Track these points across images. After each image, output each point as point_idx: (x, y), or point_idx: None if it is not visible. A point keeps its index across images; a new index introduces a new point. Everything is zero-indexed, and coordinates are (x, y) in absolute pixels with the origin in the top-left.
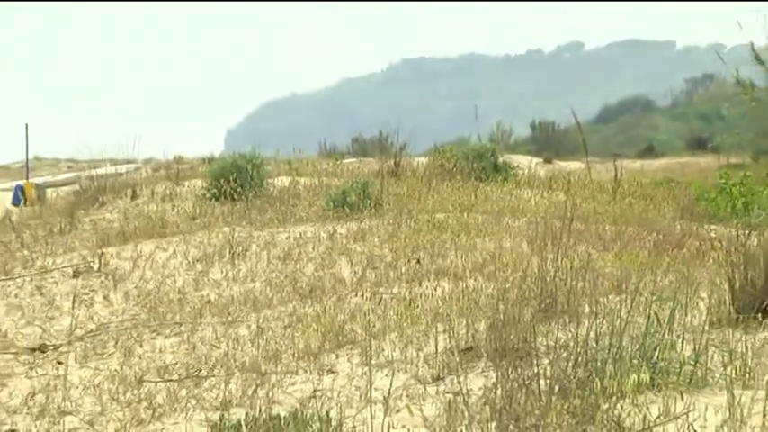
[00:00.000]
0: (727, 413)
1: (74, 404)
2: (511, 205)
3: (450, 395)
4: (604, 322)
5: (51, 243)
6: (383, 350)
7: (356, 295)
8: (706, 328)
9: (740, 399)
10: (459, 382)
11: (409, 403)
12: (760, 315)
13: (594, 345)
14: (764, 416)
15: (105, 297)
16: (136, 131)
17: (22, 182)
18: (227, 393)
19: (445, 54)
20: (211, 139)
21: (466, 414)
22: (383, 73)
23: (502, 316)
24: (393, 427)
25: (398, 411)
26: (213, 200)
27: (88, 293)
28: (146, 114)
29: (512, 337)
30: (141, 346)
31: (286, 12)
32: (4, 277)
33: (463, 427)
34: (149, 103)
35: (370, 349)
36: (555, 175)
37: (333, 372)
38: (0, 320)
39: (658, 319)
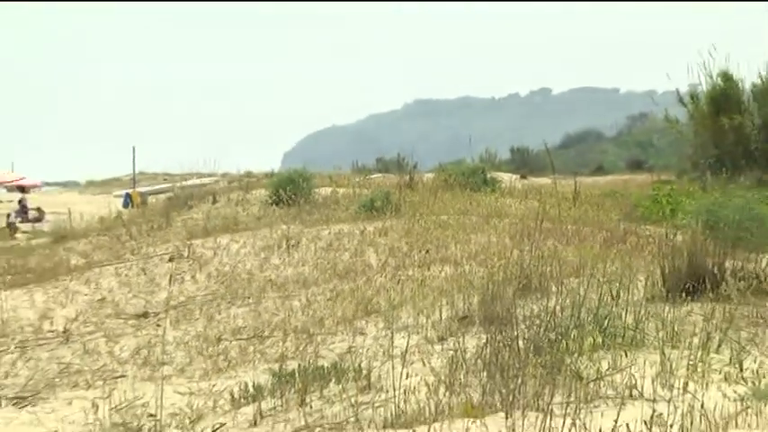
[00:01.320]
0: (660, 367)
1: (169, 357)
2: (496, 210)
3: (452, 352)
4: (567, 298)
5: (152, 236)
6: (401, 318)
7: (381, 276)
8: (643, 302)
9: (669, 356)
10: (457, 342)
11: (421, 357)
12: (684, 293)
13: (560, 315)
14: (687, 369)
15: (192, 277)
16: (215, 152)
17: (129, 190)
18: (283, 349)
19: (447, 96)
20: (272, 158)
21: (463, 366)
22: (400, 110)
23: (490, 292)
24: (409, 376)
25: (413, 363)
26: (274, 204)
27: (180, 274)
28: (223, 138)
29: (497, 308)
30: (219, 313)
31: (327, 60)
32: (116, 261)
33: (461, 376)
34: (226, 130)
35: (392, 317)
36: (529, 187)
37: (363, 334)
38: (113, 293)
39: (610, 296)
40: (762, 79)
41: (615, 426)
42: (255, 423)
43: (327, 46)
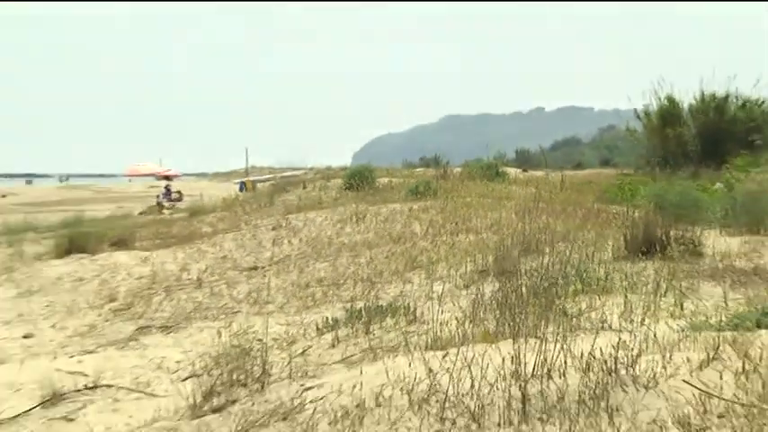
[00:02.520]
0: (623, 307)
1: (272, 298)
2: (505, 194)
3: (474, 295)
4: (557, 257)
5: (260, 212)
6: (437, 271)
7: (423, 241)
8: (611, 261)
9: (630, 299)
10: (478, 289)
11: (452, 299)
12: (640, 254)
13: (551, 269)
14: (643, 309)
15: (288, 241)
16: (304, 150)
17: (244, 179)
18: (353, 293)
19: (469, 112)
20: (344, 156)
21: (482, 305)
22: (436, 122)
23: (501, 253)
24: (443, 312)
25: (446, 303)
26: (347, 189)
27: (279, 239)
28: (310, 140)
29: (506, 264)
30: (307, 267)
31: (383, 82)
32: (234, 230)
33: (480, 313)
34: (312, 134)
35: (431, 271)
36: (528, 178)
37: (410, 282)
38: (232, 252)
39: (587, 255)
40: (696, 101)
41: (592, 349)
42: (333, 346)
43: (384, 73)
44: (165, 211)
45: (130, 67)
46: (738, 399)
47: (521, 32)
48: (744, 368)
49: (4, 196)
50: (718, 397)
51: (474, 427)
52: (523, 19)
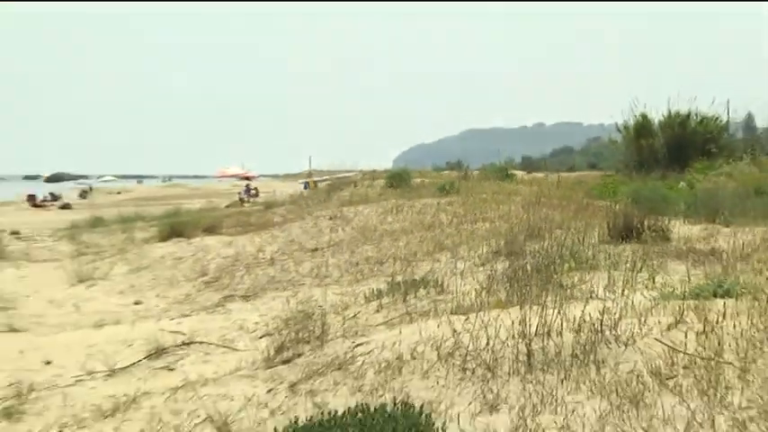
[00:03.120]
0: (607, 281)
1: (329, 273)
2: (513, 191)
3: (489, 271)
4: (554, 241)
5: (320, 206)
6: (459, 252)
7: (448, 228)
8: (597, 244)
9: (612, 274)
10: (492, 266)
11: (471, 274)
12: (620, 239)
13: (550, 250)
14: (623, 282)
15: (342, 228)
16: (354, 155)
17: (307, 180)
18: (393, 270)
19: (484, 126)
20: (386, 161)
21: (495, 279)
22: (458, 135)
23: (510, 238)
24: (464, 284)
25: (466, 278)
26: (388, 188)
27: (335, 227)
28: (359, 146)
29: (515, 247)
30: (357, 249)
31: (414, 98)
32: (299, 219)
33: (494, 285)
34: (360, 141)
35: (455, 252)
36: (532, 179)
37: (438, 261)
38: (298, 237)
39: (578, 240)
40: (664, 117)
41: (582, 314)
42: (377, 311)
43: (416, 92)
44: (245, 204)
45: (218, 81)
46: (699, 353)
47: (524, 57)
48: (704, 329)
49: (119, 193)
50: (683, 352)
51: (489, 375)
52: (523, 45)
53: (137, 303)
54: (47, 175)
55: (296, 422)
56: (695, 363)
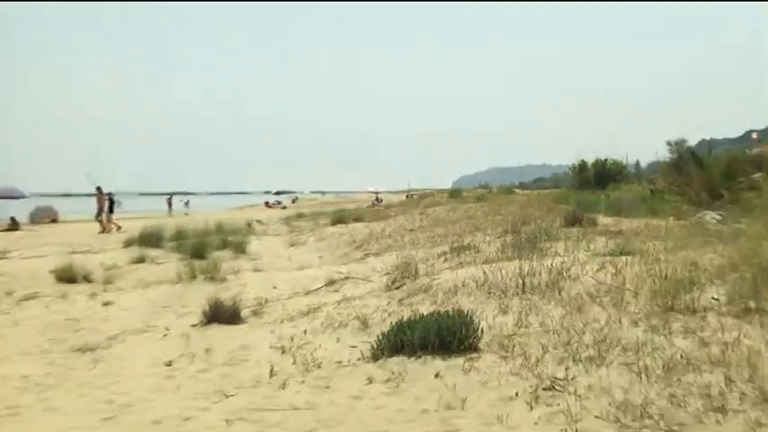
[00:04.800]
0: (564, 246)
1: (419, 241)
2: (515, 200)
3: (502, 241)
4: (536, 226)
5: (414, 207)
6: (487, 231)
7: (481, 219)
8: (558, 227)
9: (567, 243)
10: (504, 239)
11: (493, 243)
12: (571, 225)
13: (535, 231)
14: (573, 247)
15: (425, 219)
16: (427, 179)
17: (407, 193)
18: (452, 240)
19: (497, 166)
20: (447, 182)
21: (505, 245)
22: (485, 171)
23: (513, 224)
24: (489, 248)
25: (490, 245)
26: (449, 198)
27: (422, 218)
28: (430, 173)
29: (516, 228)
30: (433, 230)
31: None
32: (402, 215)
33: (505, 248)
34: (429, 169)
35: (484, 231)
36: (525, 194)
37: (475, 236)
38: (403, 224)
39: (549, 225)
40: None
41: (551, 264)
42: (444, 262)
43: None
44: (375, 206)
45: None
46: (612, 284)
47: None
48: (615, 271)
49: (294, 200)
50: (603, 283)
51: (502, 295)
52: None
53: (320, 257)
54: (275, 191)
55: (401, 319)
56: (611, 290)
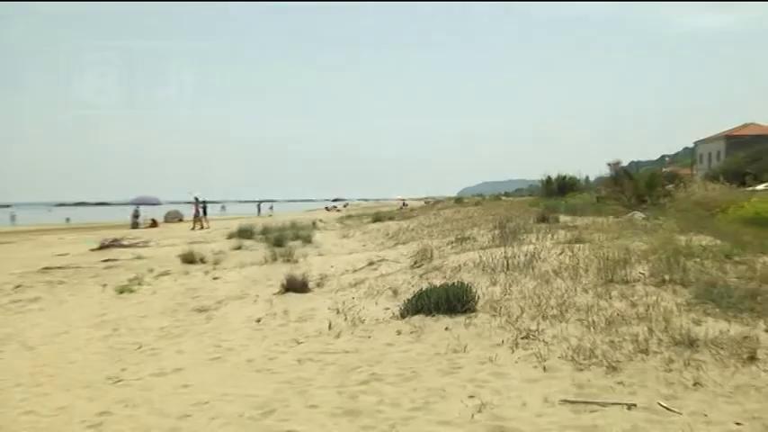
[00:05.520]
0: (535, 237)
1: (434, 234)
2: (501, 205)
3: (491, 234)
4: (516, 222)
5: (430, 210)
6: (481, 226)
7: (477, 218)
8: (533, 223)
9: (539, 235)
10: (493, 232)
11: (485, 234)
12: (541, 222)
13: (516, 226)
14: (542, 237)
15: (437, 217)
16: (438, 188)
17: (426, 199)
18: (457, 233)
19: (489, 180)
20: (453, 191)
21: (494, 237)
22: (481, 184)
23: (500, 221)
24: (483, 238)
25: (484, 236)
26: (455, 203)
27: (436, 216)
28: (442, 182)
29: (502, 224)
30: (444, 225)
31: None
32: (422, 214)
33: (494, 239)
34: (441, 179)
35: (479, 226)
36: (509, 200)
37: (472, 230)
38: (422, 221)
39: (526, 222)
40: (557, 177)
41: (527, 250)
42: (451, 248)
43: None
44: (402, 210)
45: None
46: (570, 263)
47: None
48: (571, 254)
49: (345, 205)
50: (564, 263)
51: (492, 272)
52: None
53: (363, 245)
54: (332, 198)
55: (421, 289)
56: (568, 267)
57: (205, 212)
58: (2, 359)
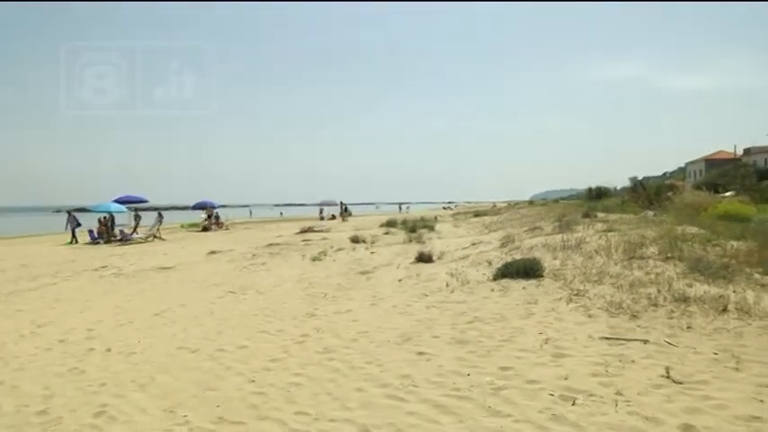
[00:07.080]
0: (582, 228)
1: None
2: (559, 207)
3: (553, 225)
4: (569, 218)
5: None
6: (545, 221)
7: (539, 215)
8: (579, 219)
9: (584, 227)
10: (555, 224)
11: (548, 226)
12: (584, 218)
13: (569, 221)
14: (586, 228)
15: (515, 215)
16: (515, 192)
17: (493, 203)
18: (508, 232)
19: (550, 189)
20: (528, 195)
21: (555, 228)
22: (544, 192)
23: (558, 217)
24: (548, 228)
25: (548, 227)
26: (529, 205)
27: (514, 215)
28: (518, 187)
29: (561, 219)
30: (520, 220)
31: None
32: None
33: (556, 228)
34: (517, 184)
35: (545, 220)
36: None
37: (542, 221)
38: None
39: (574, 218)
40: (597, 187)
41: (578, 236)
42: (526, 234)
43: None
44: (493, 209)
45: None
46: (605, 245)
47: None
48: (606, 240)
49: (456, 206)
50: (602, 246)
51: (554, 251)
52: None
53: (468, 232)
54: (447, 201)
55: (507, 261)
56: (604, 248)
57: (347, 210)
58: (246, 299)
